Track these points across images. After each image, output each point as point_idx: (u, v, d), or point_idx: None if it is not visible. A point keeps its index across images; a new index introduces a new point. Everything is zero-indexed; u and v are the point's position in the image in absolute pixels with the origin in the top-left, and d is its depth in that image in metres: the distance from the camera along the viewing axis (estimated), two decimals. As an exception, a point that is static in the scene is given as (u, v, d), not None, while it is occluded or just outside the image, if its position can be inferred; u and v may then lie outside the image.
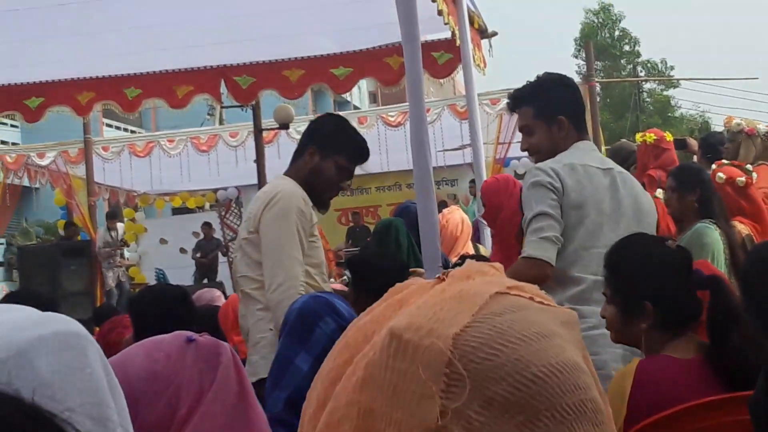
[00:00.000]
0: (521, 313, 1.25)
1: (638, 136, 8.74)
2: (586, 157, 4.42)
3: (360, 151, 5.17)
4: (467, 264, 1.42)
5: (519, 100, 4.62)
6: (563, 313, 1.32)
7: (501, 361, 1.18)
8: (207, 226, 22.87)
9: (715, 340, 3.22)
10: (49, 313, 1.48)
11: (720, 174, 6.89)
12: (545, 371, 1.18)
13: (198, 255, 22.11)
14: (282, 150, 18.84)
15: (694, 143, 10.23)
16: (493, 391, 1.17)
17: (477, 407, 1.17)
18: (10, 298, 5.36)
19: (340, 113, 21.57)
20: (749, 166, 7.29)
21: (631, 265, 3.47)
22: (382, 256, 5.56)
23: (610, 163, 4.54)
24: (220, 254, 22.65)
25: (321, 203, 5.11)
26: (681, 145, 10.54)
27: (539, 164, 4.34)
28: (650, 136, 8.50)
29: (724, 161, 7.38)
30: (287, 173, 5.13)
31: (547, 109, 4.49)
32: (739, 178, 6.93)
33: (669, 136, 8.72)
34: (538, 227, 4.15)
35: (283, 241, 4.75)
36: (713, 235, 6.00)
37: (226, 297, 8.27)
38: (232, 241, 23.00)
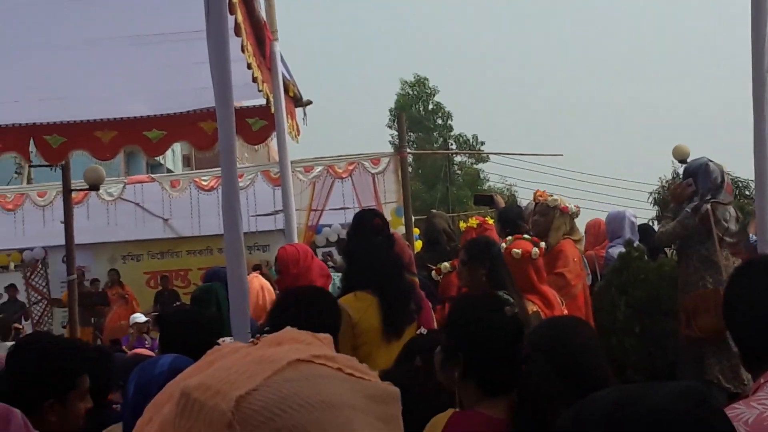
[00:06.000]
0: (314, 381, 1.26)
1: (462, 224, 9.04)
2: None
3: None
4: (284, 330, 1.43)
5: None
6: (374, 387, 1.33)
7: (277, 426, 1.19)
8: (12, 288, 22.26)
9: (522, 405, 3.33)
10: None
11: (516, 250, 7.12)
12: None
13: (0, 316, 21.41)
14: (91, 211, 18.52)
15: (500, 201, 10.58)
16: None
17: None
18: None
19: (153, 176, 21.38)
20: (543, 243, 7.58)
21: (460, 315, 3.64)
22: (195, 315, 5.55)
23: None
24: (23, 317, 22.00)
25: None
26: (488, 201, 10.86)
27: None
28: (473, 221, 8.83)
29: (525, 236, 7.64)
30: None
31: None
32: (534, 250, 7.19)
33: (490, 220, 9.05)
34: None
35: None
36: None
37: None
38: (36, 304, 22.37)
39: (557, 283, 7.93)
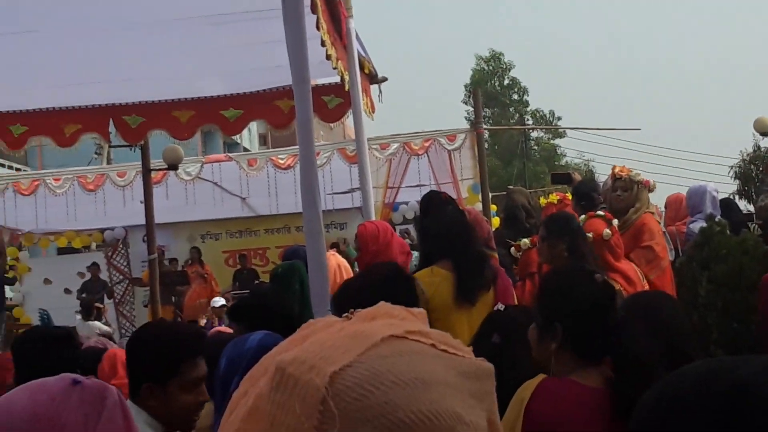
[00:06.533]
0: (407, 358, 1.25)
1: (542, 200, 9.03)
2: None
3: None
4: (378, 305, 1.42)
5: None
6: (468, 364, 1.32)
7: (370, 403, 1.19)
8: (95, 266, 22.57)
9: (617, 373, 3.35)
10: None
11: (587, 234, 7.05)
12: (413, 417, 1.19)
13: (83, 295, 21.77)
14: (170, 191, 18.68)
15: (578, 178, 10.49)
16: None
17: None
18: None
19: (230, 155, 21.51)
20: (616, 221, 7.47)
21: (551, 287, 3.70)
22: (275, 298, 5.58)
23: None
24: (105, 296, 22.31)
25: None
26: (566, 179, 10.77)
27: None
28: (554, 196, 8.83)
29: (599, 212, 7.56)
30: None
31: None
32: (605, 231, 7.11)
33: (570, 195, 9.03)
34: None
35: None
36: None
37: (111, 338, 8.16)
38: (119, 284, 22.68)
39: (646, 256, 7.83)
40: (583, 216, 7.47)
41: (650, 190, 8.60)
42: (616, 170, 8.55)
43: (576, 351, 3.47)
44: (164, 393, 3.61)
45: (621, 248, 7.33)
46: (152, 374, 3.64)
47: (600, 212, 7.59)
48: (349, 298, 4.28)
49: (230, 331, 6.35)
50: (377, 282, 4.40)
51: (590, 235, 7.01)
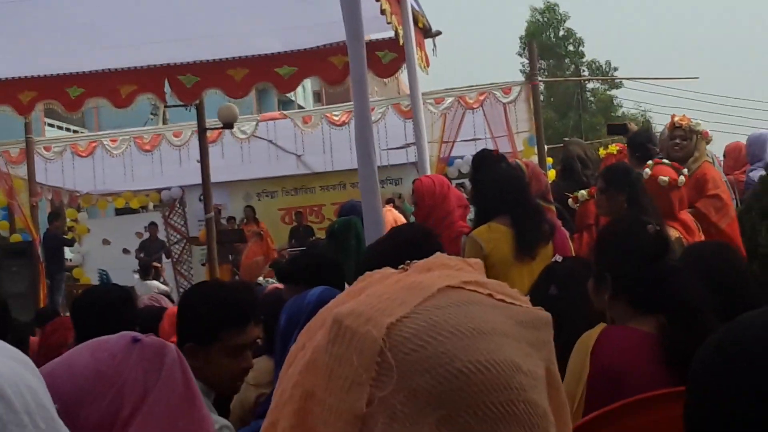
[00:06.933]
0: (464, 308, 1.24)
1: (602, 151, 9.00)
2: None
3: None
4: (434, 256, 1.41)
5: None
6: (525, 313, 1.31)
7: (427, 354, 1.18)
8: (153, 226, 22.74)
9: (670, 322, 3.34)
10: None
11: (663, 177, 6.96)
12: (471, 367, 1.18)
13: (142, 255, 21.97)
14: (226, 149, 18.75)
15: (635, 128, 10.37)
16: (417, 383, 1.17)
17: (402, 398, 1.17)
18: None
19: (285, 112, 21.53)
20: (686, 170, 7.39)
21: (603, 238, 3.78)
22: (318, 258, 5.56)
23: None
24: (163, 255, 22.47)
25: None
26: (622, 130, 10.65)
27: None
28: (613, 147, 8.78)
29: (665, 160, 7.47)
30: None
31: None
32: (680, 178, 7.03)
33: None
34: None
35: None
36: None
37: (168, 298, 8.23)
38: (176, 243, 22.85)
39: (715, 204, 7.74)
40: (650, 162, 7.38)
41: (707, 142, 8.51)
42: (676, 119, 8.44)
43: (629, 301, 3.47)
44: (206, 355, 3.54)
45: (686, 198, 7.27)
46: (194, 336, 3.58)
47: (666, 161, 7.50)
48: (373, 263, 4.10)
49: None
50: (401, 245, 4.23)
51: (666, 179, 6.94)
